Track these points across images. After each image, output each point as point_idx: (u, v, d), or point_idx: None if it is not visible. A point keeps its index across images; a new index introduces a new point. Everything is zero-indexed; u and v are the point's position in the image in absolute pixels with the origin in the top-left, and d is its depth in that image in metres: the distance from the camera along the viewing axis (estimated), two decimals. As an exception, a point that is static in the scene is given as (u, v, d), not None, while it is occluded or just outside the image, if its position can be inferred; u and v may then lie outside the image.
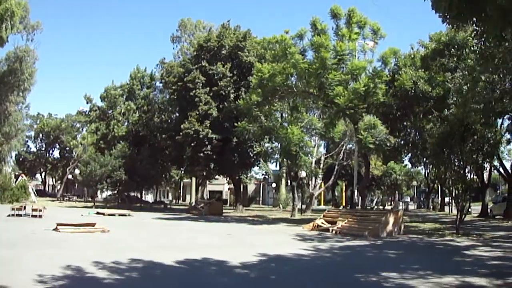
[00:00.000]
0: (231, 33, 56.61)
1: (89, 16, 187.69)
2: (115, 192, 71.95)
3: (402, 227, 30.23)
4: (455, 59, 36.94)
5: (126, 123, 75.75)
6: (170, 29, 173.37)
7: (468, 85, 32.33)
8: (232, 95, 52.22)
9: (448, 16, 12.52)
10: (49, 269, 13.01)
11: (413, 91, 37.08)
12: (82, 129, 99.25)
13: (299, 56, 37.62)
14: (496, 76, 29.83)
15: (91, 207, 57.53)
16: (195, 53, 58.10)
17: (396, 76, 38.25)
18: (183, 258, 16.38)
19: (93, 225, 26.69)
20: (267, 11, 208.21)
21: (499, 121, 44.20)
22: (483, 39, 14.81)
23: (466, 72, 33.76)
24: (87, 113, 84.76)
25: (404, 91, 37.06)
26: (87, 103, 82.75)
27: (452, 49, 37.09)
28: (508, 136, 49.47)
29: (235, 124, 43.46)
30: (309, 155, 51.84)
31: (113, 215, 42.92)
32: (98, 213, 44.07)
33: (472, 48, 33.95)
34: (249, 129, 42.02)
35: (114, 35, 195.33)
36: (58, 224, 25.36)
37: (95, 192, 73.38)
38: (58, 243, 19.91)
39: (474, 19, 12.63)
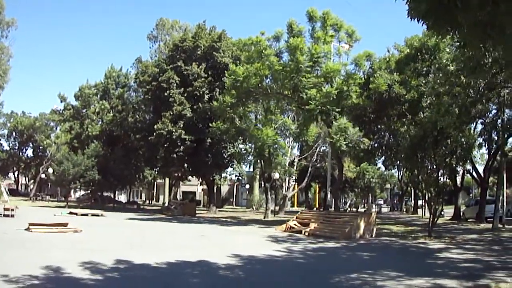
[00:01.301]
0: (207, 33, 56.58)
1: (65, 13, 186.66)
2: (88, 192, 71.77)
3: (375, 230, 30.32)
4: (427, 63, 37.10)
5: (100, 122, 75.31)
6: (147, 28, 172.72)
7: (442, 89, 32.49)
8: (206, 96, 52.19)
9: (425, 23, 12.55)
10: (20, 269, 12.91)
11: (387, 94, 37.23)
12: (56, 128, 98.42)
13: (274, 58, 37.70)
14: (471, 79, 30.00)
15: (64, 207, 57.13)
16: (170, 53, 57.97)
17: (371, 79, 38.35)
18: (155, 259, 16.30)
19: (65, 225, 26.51)
20: (244, 13, 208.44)
21: (472, 125, 44.51)
22: (464, 50, 14.86)
23: (440, 75, 33.91)
24: (61, 112, 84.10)
25: (378, 94, 37.19)
26: (61, 101, 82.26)
27: (426, 55, 37.28)
28: (480, 140, 49.78)
29: (209, 125, 43.49)
30: (283, 157, 51.90)
31: (86, 215, 42.73)
32: (71, 213, 43.83)
33: (444, 49, 34.20)
34: (223, 129, 42.06)
35: (90, 33, 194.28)
36: (30, 224, 25.22)
37: (68, 192, 72.93)
38: (30, 243, 19.80)
39: (452, 30, 12.64)
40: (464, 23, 11.46)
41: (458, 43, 13.80)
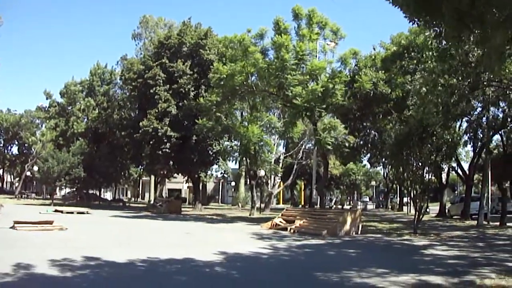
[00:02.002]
0: (192, 30, 56.55)
1: (51, 10, 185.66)
2: (74, 189, 71.59)
3: (360, 227, 30.30)
4: (414, 61, 37.15)
5: (85, 119, 75.20)
6: (132, 25, 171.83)
7: (428, 87, 32.57)
8: (192, 93, 52.13)
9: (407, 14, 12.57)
10: (4, 267, 12.81)
11: (372, 92, 37.31)
12: (41, 125, 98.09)
13: (259, 55, 37.65)
14: (455, 79, 30.05)
15: (49, 204, 56.96)
16: (155, 50, 57.86)
17: (356, 77, 38.40)
18: (141, 256, 16.25)
19: (51, 223, 26.37)
20: (230, 10, 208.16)
21: (458, 123, 44.64)
22: (441, 39, 14.89)
23: (425, 73, 33.97)
24: (46, 109, 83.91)
25: (364, 92, 37.25)
26: (46, 98, 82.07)
27: (412, 53, 37.33)
28: (466, 138, 49.97)
29: (195, 122, 43.41)
30: (269, 154, 51.91)
31: (72, 213, 42.43)
32: (56, 210, 43.50)
33: (431, 48, 34.24)
34: (209, 126, 42.05)
35: (75, 30, 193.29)
36: (16, 222, 25.07)
37: (53, 190, 72.63)
38: (15, 242, 19.69)
39: (432, 20, 12.66)
40: (446, 13, 11.49)
41: (435, 32, 13.74)
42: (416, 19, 13.04)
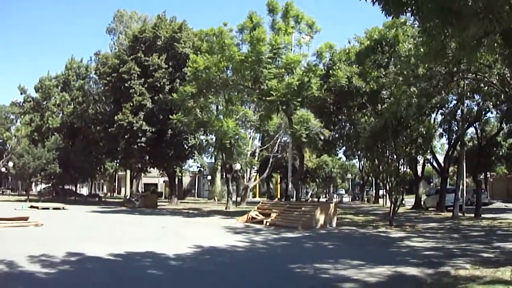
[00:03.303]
0: (167, 24, 56.35)
1: (24, 4, 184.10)
2: (50, 185, 71.25)
3: (336, 219, 30.38)
4: (387, 55, 37.28)
5: (60, 114, 74.91)
6: (108, 20, 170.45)
7: (402, 79, 32.65)
8: (167, 87, 51.99)
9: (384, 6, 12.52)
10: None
11: (347, 86, 37.43)
12: (16, 121, 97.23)
13: (235, 48, 37.58)
14: (431, 68, 30.14)
15: (25, 200, 56.57)
16: (130, 44, 57.66)
17: (331, 71, 38.51)
18: (117, 251, 16.22)
19: (26, 219, 26.26)
20: (206, 3, 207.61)
21: (432, 116, 44.91)
22: (424, 33, 14.89)
23: (399, 65, 34.08)
24: (21, 104, 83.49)
25: (338, 85, 37.34)
26: (21, 94, 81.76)
27: (385, 46, 37.45)
28: (441, 130, 50.30)
29: (170, 116, 43.27)
30: (244, 148, 51.89)
31: (47, 208, 42.36)
32: (32, 206, 43.46)
33: (406, 42, 34.30)
34: (184, 121, 41.93)
35: (50, 24, 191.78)
36: (-10, 219, 24.91)
37: (29, 186, 72.40)
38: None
39: (409, 12, 12.65)
40: (424, 8, 11.49)
41: (418, 27, 13.74)
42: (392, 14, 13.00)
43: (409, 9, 12.23)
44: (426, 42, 17.09)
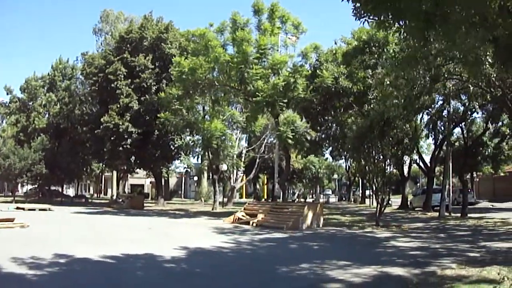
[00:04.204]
0: (153, 24, 56.31)
1: (11, 3, 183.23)
2: (36, 186, 71.00)
3: (322, 220, 30.45)
4: (375, 56, 37.35)
5: (47, 115, 74.51)
6: (95, 20, 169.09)
7: (388, 80, 32.67)
8: (153, 87, 51.91)
9: (365, 13, 12.48)
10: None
11: (334, 86, 37.48)
12: (2, 121, 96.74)
13: (221, 49, 37.57)
14: (416, 72, 30.17)
15: (11, 201, 56.28)
16: (116, 45, 57.51)
17: (317, 71, 38.57)
18: (103, 253, 16.15)
19: (12, 220, 26.17)
20: (192, 4, 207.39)
21: (419, 116, 45.04)
22: (404, 37, 14.86)
23: (387, 67, 34.09)
24: (7, 104, 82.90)
25: (325, 86, 37.39)
26: (7, 94, 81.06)
27: (373, 47, 37.52)
28: (427, 130, 50.51)
29: (156, 117, 43.30)
30: (231, 148, 51.86)
31: (34, 209, 42.18)
32: (18, 208, 43.28)
33: (393, 42, 34.36)
34: (172, 120, 41.95)
35: (37, 24, 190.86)
36: (-24, 220, 24.81)
37: (15, 187, 72.04)
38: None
39: (393, 18, 12.61)
40: (407, 11, 11.47)
41: (398, 33, 13.68)
42: (375, 18, 12.95)
43: (390, 13, 12.20)
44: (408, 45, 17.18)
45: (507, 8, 12.11)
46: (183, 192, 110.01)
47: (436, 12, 11.40)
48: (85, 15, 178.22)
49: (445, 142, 45.47)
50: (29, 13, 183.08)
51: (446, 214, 39.51)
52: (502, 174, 67.02)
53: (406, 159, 47.45)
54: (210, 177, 67.75)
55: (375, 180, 32.17)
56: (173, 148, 56.75)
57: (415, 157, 51.13)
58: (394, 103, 31.11)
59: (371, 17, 12.24)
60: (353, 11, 12.28)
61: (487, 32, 12.55)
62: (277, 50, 39.02)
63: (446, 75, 31.57)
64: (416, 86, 31.19)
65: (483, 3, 11.22)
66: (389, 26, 12.77)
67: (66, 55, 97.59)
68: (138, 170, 70.58)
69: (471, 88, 35.32)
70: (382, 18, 12.22)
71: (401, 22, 12.48)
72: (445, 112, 43.27)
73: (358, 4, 12.08)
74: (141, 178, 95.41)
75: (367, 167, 33.07)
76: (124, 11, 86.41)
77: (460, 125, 46.82)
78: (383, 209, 31.89)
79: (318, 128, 43.65)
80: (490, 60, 19.40)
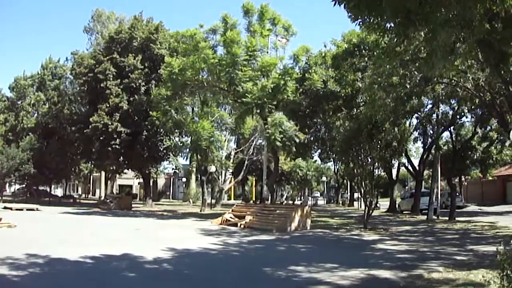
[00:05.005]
0: (143, 25, 56.21)
1: (1, 2, 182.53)
2: (24, 186, 70.66)
3: (310, 222, 30.47)
4: (365, 59, 37.42)
5: (35, 114, 74.34)
6: (86, 19, 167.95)
7: (378, 83, 32.73)
8: (143, 88, 51.89)
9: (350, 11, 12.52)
10: None
11: (323, 89, 37.53)
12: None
13: (210, 50, 37.51)
14: (406, 74, 30.19)
15: (-2, 201, 56.03)
16: (106, 45, 57.39)
17: (306, 74, 38.62)
18: (90, 253, 16.14)
19: (-1, 220, 26.04)
20: (183, 4, 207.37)
21: (408, 119, 45.12)
22: (389, 37, 14.90)
23: (376, 69, 34.12)
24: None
25: (314, 89, 37.44)
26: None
27: (363, 50, 37.60)
28: (416, 134, 50.69)
29: (145, 117, 43.30)
30: (220, 150, 51.83)
31: (21, 209, 42.18)
32: (5, 207, 43.17)
33: (380, 47, 34.42)
34: (162, 120, 41.98)
35: (27, 22, 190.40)
36: (-38, 220, 24.73)
37: (2, 186, 71.71)
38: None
39: (374, 16, 12.63)
40: (387, 8, 11.49)
41: (384, 32, 13.68)
42: (359, 18, 12.97)
43: (372, 10, 12.22)
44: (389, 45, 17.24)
45: (495, 13, 12.18)
46: (171, 193, 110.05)
47: (419, 11, 11.44)
48: (76, 14, 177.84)
49: (434, 146, 45.54)
50: (19, 11, 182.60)
51: (434, 217, 39.59)
52: (490, 178, 67.40)
53: (395, 162, 47.47)
54: (199, 178, 67.77)
55: (363, 183, 32.16)
56: (161, 149, 56.63)
57: (404, 160, 51.16)
58: (383, 105, 31.16)
59: (357, 17, 12.30)
60: (347, 12, 12.35)
61: (471, 35, 12.63)
62: (267, 52, 39.00)
63: (436, 79, 31.66)
64: (405, 90, 31.31)
65: (466, 6, 11.29)
66: (378, 26, 12.82)
67: (57, 54, 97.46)
68: (126, 170, 70.69)
69: (460, 92, 35.46)
70: (365, 17, 12.29)
71: (384, 22, 12.54)
72: (434, 116, 43.37)
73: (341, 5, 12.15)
74: (130, 178, 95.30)
75: (355, 170, 33.06)
76: (115, 10, 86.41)
77: (449, 129, 46.95)
78: (371, 212, 31.90)
79: (307, 130, 43.62)
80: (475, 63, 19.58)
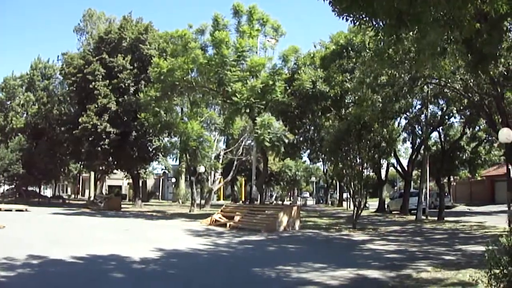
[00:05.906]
0: (133, 25, 56.08)
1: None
2: (13, 186, 70.49)
3: (299, 222, 30.46)
4: (353, 60, 37.51)
5: (25, 115, 74.02)
6: (76, 18, 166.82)
7: (368, 80, 32.77)
8: (132, 88, 51.74)
9: (339, 10, 12.52)
10: None
11: (311, 90, 37.56)
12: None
13: (199, 51, 37.52)
14: (395, 74, 30.24)
15: (-13, 202, 55.80)
16: (95, 45, 57.25)
17: (295, 75, 38.68)
18: (79, 254, 16.14)
19: (-12, 221, 25.99)
20: (172, 5, 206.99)
21: (397, 120, 45.25)
22: (379, 38, 14.92)
23: (365, 72, 34.19)
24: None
25: (303, 90, 37.48)
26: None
27: (351, 51, 37.69)
28: (405, 134, 50.83)
29: (134, 117, 43.23)
30: (209, 150, 51.84)
31: (10, 210, 42.01)
32: (-6, 208, 42.91)
33: (369, 48, 34.45)
34: (151, 122, 41.92)
35: (16, 22, 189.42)
36: (-49, 221, 24.65)
37: (-9, 187, 71.57)
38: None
39: (366, 16, 12.64)
40: (379, 10, 11.51)
41: (373, 32, 13.69)
42: (349, 17, 12.99)
43: (363, 11, 12.24)
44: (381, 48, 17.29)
45: (483, 14, 12.24)
46: (160, 194, 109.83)
47: (409, 11, 11.47)
48: (67, 13, 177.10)
49: (423, 146, 45.65)
50: (8, 10, 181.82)
51: (423, 217, 39.64)
52: (478, 178, 67.71)
53: (384, 162, 47.58)
54: (188, 178, 67.66)
55: (352, 183, 32.23)
56: (151, 149, 56.62)
57: (393, 160, 51.27)
58: (371, 105, 31.24)
59: (348, 16, 12.31)
60: (332, 10, 12.34)
61: (460, 34, 12.68)
62: (256, 53, 38.96)
63: (424, 79, 31.77)
64: (392, 88, 31.39)
65: (455, 6, 11.33)
66: (366, 25, 12.86)
67: (47, 54, 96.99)
68: (116, 171, 70.48)
69: (449, 92, 35.59)
70: (356, 17, 12.31)
71: (374, 21, 12.55)
72: (422, 116, 43.50)
73: (333, 5, 12.17)
74: (119, 179, 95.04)
75: (344, 170, 33.11)
76: (106, 11, 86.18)
77: (438, 129, 47.14)
78: (360, 212, 31.98)
79: (296, 131, 43.66)
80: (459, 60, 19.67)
